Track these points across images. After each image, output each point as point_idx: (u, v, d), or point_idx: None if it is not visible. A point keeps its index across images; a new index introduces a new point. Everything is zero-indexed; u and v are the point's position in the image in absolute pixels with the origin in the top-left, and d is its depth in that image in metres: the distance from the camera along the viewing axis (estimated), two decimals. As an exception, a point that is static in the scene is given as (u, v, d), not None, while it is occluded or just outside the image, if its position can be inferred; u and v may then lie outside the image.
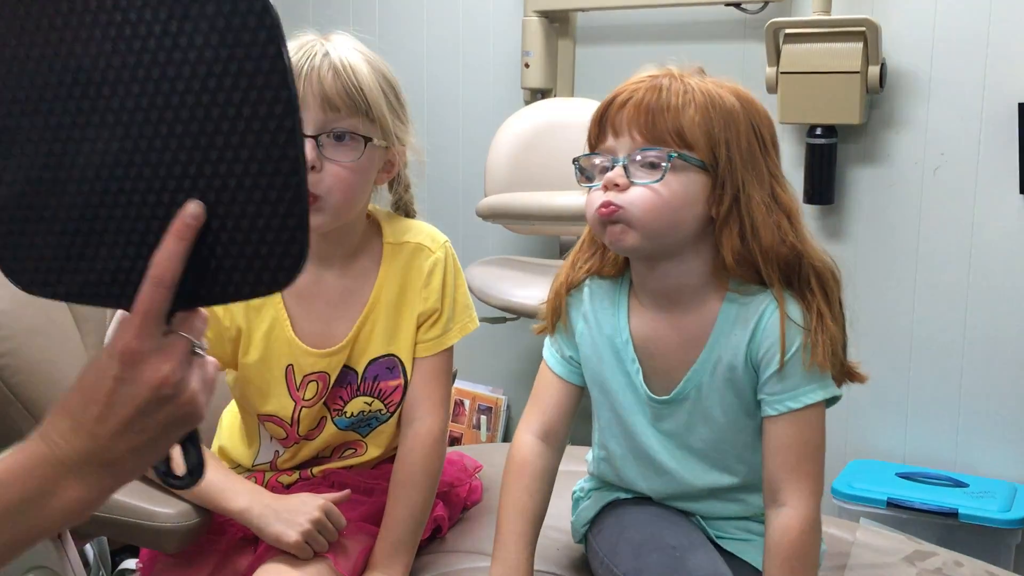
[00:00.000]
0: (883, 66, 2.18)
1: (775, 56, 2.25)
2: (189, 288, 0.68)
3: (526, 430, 1.23)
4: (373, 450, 1.35)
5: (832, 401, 1.13)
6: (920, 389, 2.30)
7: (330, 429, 1.31)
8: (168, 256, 0.66)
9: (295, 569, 1.17)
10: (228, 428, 1.40)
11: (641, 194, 1.07)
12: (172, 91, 0.66)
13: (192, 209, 0.66)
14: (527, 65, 2.60)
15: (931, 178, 2.24)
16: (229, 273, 0.68)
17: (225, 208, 0.67)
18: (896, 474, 2.21)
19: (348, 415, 1.31)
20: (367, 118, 1.20)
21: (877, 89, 2.18)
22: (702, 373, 1.13)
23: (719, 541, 1.19)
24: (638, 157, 1.07)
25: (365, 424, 1.33)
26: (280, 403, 1.28)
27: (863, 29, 2.14)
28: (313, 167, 1.16)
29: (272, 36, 0.65)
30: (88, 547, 1.73)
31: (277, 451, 1.33)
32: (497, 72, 2.78)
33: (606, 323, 1.18)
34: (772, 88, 2.27)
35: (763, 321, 1.10)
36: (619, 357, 1.17)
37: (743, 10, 2.38)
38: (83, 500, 0.68)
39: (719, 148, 1.07)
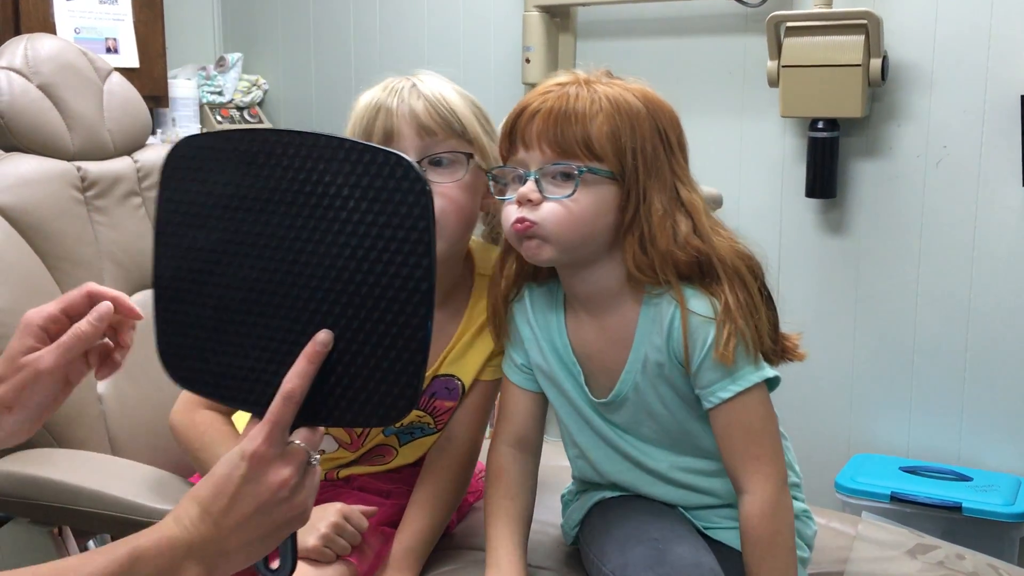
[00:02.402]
0: (885, 59, 2.18)
1: (776, 50, 2.24)
2: (313, 408, 0.79)
3: (499, 441, 1.25)
4: (402, 459, 1.36)
5: (772, 383, 1.13)
6: (923, 383, 2.30)
7: (375, 435, 1.33)
8: (298, 375, 0.77)
9: (310, 564, 1.17)
10: None
11: (553, 210, 1.08)
12: (334, 241, 0.78)
13: (322, 337, 0.78)
14: (528, 60, 2.60)
15: (933, 171, 2.24)
16: (349, 402, 0.79)
17: (357, 347, 0.78)
18: (900, 468, 2.21)
19: (398, 425, 1.31)
20: (463, 139, 1.20)
21: (879, 82, 2.18)
22: (634, 373, 1.15)
23: (707, 531, 1.20)
24: (549, 171, 1.09)
25: (408, 433, 1.33)
26: None
27: (864, 22, 2.13)
28: None
29: (424, 213, 0.76)
30: (91, 544, 1.73)
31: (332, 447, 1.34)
32: (498, 67, 2.78)
33: (548, 328, 1.20)
34: (773, 82, 2.26)
35: (675, 321, 1.11)
36: (563, 361, 1.20)
37: (744, 3, 2.37)
38: None
39: (626, 157, 1.08)
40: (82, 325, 0.89)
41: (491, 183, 1.15)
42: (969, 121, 2.18)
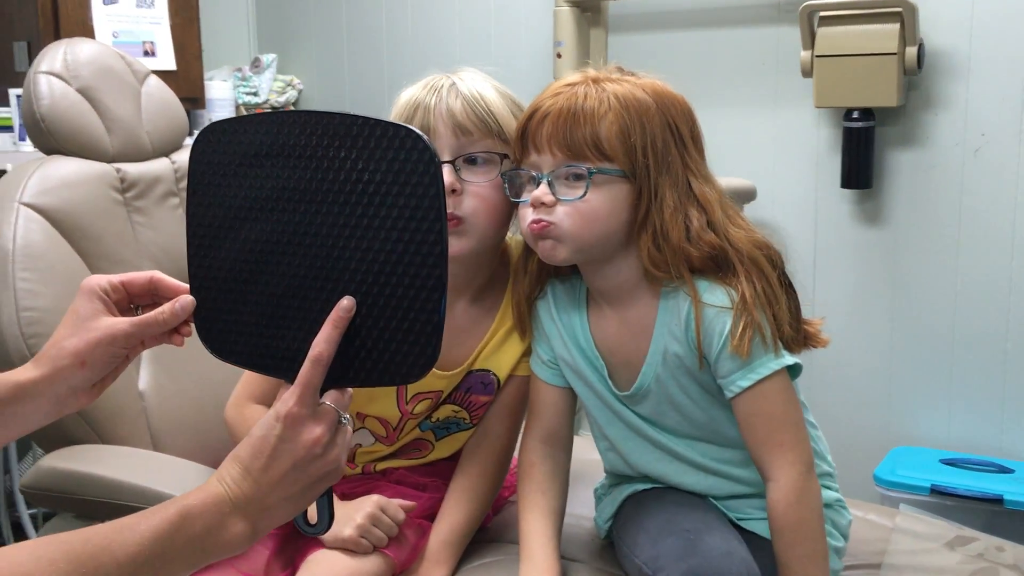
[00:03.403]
0: (921, 47, 2.15)
1: (810, 39, 2.22)
2: (340, 370, 0.83)
3: (529, 437, 1.26)
4: (438, 453, 1.37)
5: (794, 370, 1.13)
6: (963, 374, 2.27)
7: (411, 429, 1.34)
8: (325, 339, 0.82)
9: (347, 555, 1.19)
10: None
11: (567, 211, 1.10)
12: (353, 212, 0.83)
13: (346, 303, 0.83)
14: (559, 55, 2.60)
15: (972, 160, 2.21)
16: (374, 363, 0.83)
17: (379, 311, 0.83)
18: (940, 461, 2.19)
19: (434, 420, 1.33)
20: (500, 139, 1.21)
21: (915, 70, 2.15)
22: (655, 365, 1.16)
23: (740, 522, 1.20)
24: (560, 174, 1.10)
25: (444, 428, 1.35)
26: (386, 408, 1.30)
27: (899, 10, 2.11)
28: (454, 190, 1.17)
29: (434, 181, 0.81)
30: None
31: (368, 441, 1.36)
32: (529, 62, 2.78)
33: (571, 323, 1.21)
34: (807, 72, 2.24)
35: (692, 313, 1.11)
36: (586, 355, 1.21)
37: (777, -6, 2.35)
38: (245, 535, 0.82)
39: (636, 155, 1.09)
40: (164, 313, 0.92)
41: (506, 185, 1.16)
42: (1008, 108, 2.15)
